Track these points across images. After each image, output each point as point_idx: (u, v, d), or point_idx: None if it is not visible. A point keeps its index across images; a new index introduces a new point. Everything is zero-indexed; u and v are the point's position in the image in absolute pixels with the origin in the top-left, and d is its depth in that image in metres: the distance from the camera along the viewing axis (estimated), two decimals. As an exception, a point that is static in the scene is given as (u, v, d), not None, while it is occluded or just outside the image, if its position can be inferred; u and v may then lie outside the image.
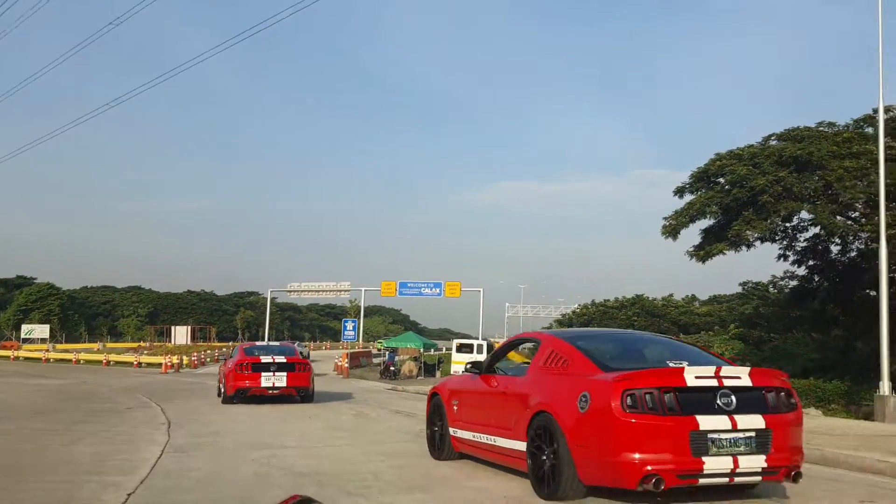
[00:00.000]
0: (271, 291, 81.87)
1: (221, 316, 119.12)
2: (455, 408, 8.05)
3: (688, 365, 5.82)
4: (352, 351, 41.52)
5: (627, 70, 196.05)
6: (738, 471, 5.55)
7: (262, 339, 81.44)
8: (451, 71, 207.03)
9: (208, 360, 47.29)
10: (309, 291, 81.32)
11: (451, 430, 8.08)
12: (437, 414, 8.51)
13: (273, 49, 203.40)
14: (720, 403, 5.61)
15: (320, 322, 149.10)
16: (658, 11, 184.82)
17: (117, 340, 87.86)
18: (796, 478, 5.83)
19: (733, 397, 5.66)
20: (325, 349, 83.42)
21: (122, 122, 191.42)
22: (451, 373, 35.49)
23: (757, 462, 5.60)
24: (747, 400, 5.72)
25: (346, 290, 79.90)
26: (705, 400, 5.61)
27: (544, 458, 6.15)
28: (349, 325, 38.80)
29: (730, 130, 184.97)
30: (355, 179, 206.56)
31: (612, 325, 47.78)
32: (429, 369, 40.13)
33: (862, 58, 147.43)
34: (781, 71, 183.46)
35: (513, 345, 9.48)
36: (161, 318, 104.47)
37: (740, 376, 5.82)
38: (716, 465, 5.47)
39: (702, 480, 5.55)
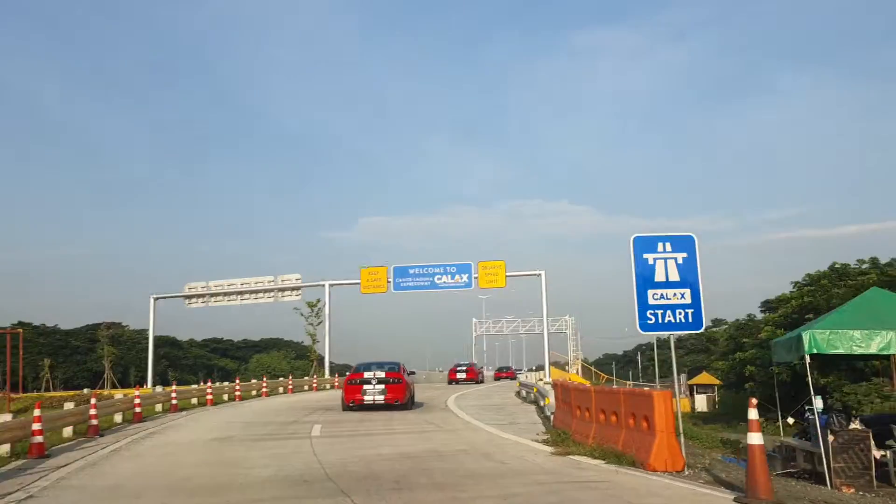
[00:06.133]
0: (155, 298, 48.46)
1: (70, 356, 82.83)
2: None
3: (365, 371, 21.79)
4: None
5: (493, 108, 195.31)
6: (375, 401, 21.16)
7: (146, 383, 47.87)
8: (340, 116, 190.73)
9: (66, 433, 13.80)
10: (225, 294, 48.52)
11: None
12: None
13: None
14: (372, 381, 21.38)
15: (208, 361, 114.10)
16: (522, 49, 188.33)
17: None
18: (397, 403, 21.31)
19: (376, 380, 21.39)
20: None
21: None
22: None
23: (382, 398, 21.16)
24: (381, 380, 21.41)
25: (293, 288, 47.79)
26: (368, 381, 21.45)
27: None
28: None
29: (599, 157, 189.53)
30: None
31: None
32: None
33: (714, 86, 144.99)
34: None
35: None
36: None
37: (383, 374, 21.57)
38: (369, 398, 21.25)
39: (365, 403, 21.32)
